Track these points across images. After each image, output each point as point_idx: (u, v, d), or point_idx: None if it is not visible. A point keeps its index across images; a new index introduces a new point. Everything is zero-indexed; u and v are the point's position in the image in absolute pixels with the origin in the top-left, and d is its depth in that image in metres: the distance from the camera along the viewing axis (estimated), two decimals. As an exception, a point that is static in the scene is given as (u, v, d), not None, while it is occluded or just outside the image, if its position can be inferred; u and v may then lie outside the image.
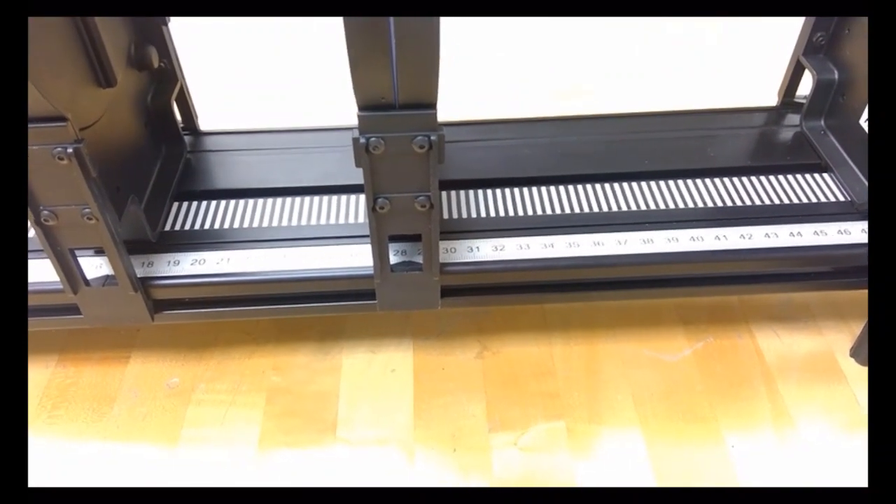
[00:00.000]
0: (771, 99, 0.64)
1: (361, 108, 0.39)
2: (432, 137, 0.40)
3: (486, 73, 0.92)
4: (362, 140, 0.40)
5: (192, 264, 0.49)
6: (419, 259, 0.48)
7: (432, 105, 0.39)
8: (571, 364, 0.57)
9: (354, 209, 0.54)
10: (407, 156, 0.41)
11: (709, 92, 0.88)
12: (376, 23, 0.35)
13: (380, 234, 0.45)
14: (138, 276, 0.48)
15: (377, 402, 0.55)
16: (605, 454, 0.51)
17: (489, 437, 0.53)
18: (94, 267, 0.49)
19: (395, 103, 0.39)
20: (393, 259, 0.49)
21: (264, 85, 0.89)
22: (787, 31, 0.64)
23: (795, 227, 0.51)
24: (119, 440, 0.53)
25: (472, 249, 0.50)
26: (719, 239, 0.50)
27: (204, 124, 0.62)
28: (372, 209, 0.43)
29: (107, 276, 0.48)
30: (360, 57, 0.36)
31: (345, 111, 0.54)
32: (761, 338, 0.59)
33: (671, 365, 0.57)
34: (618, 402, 0.55)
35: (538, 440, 0.52)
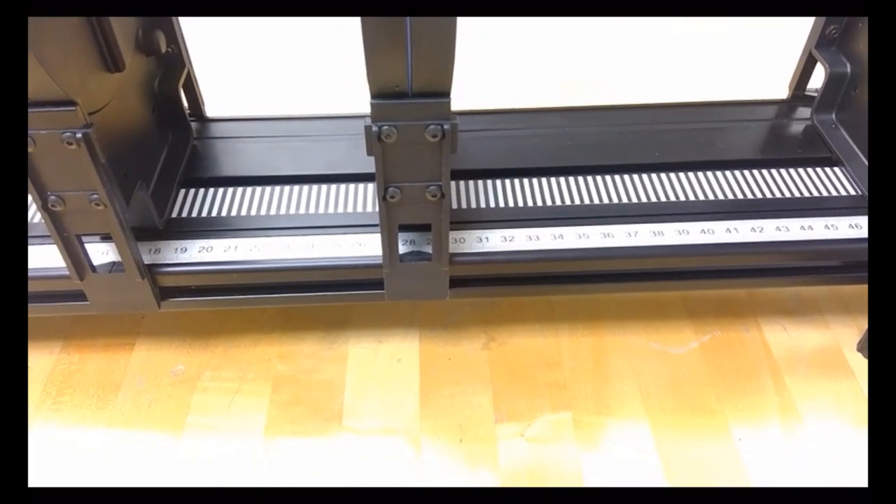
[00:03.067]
0: (781, 92, 0.63)
1: (374, 95, 0.38)
2: (445, 126, 0.39)
3: (493, 64, 0.91)
4: (375, 128, 0.39)
5: (199, 252, 0.49)
6: (428, 249, 0.48)
7: (446, 93, 0.39)
8: (578, 355, 0.57)
9: (363, 198, 0.54)
10: (419, 145, 0.40)
11: (719, 84, 0.87)
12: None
13: (390, 223, 0.45)
14: (145, 262, 0.48)
15: (383, 392, 0.55)
16: (612, 446, 0.51)
17: (496, 427, 0.52)
18: (101, 253, 0.48)
19: (409, 91, 0.38)
20: (402, 249, 0.48)
21: (271, 72, 0.89)
22: (798, 23, 0.63)
23: (806, 221, 0.51)
24: (124, 427, 0.52)
25: (481, 240, 0.50)
26: (730, 232, 0.50)
27: (210, 111, 0.61)
28: (382, 198, 0.43)
29: (113, 263, 0.48)
30: (376, 46, 0.36)
31: (353, 99, 0.53)
32: (769, 331, 0.59)
33: (678, 358, 0.57)
34: (625, 394, 0.55)
35: (545, 431, 0.52)
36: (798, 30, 0.62)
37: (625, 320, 0.60)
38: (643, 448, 0.51)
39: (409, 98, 0.39)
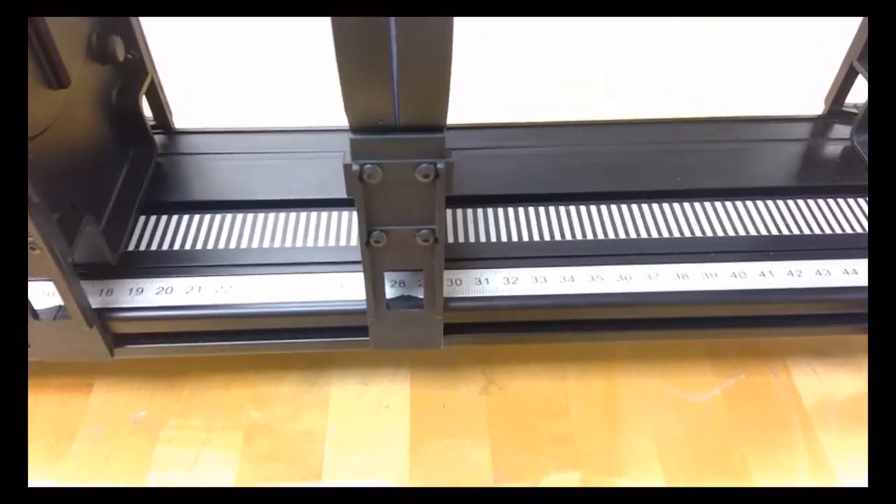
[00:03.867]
0: (816, 107, 0.57)
1: (354, 129, 0.32)
2: (439, 165, 0.33)
3: (490, 64, 0.84)
4: (355, 167, 0.33)
5: (157, 293, 0.43)
6: (419, 293, 0.42)
7: (440, 128, 0.32)
8: (587, 402, 0.51)
9: (347, 228, 0.47)
10: (408, 185, 0.34)
11: (743, 96, 0.80)
12: (374, 27, 0.28)
13: (374, 270, 0.38)
14: (96, 306, 0.42)
15: (368, 445, 0.49)
16: (625, 513, 0.46)
17: (494, 489, 0.47)
18: (45, 294, 0.42)
19: (396, 124, 0.32)
20: (389, 292, 0.42)
21: (249, 77, 0.81)
22: (835, 30, 0.57)
23: (850, 264, 0.45)
24: (78, 482, 0.47)
25: (480, 282, 0.44)
26: (764, 276, 0.44)
27: (179, 122, 0.55)
28: (366, 243, 0.37)
29: (59, 307, 0.42)
30: (354, 69, 0.30)
31: (342, 109, 0.47)
32: (798, 375, 0.53)
33: (698, 406, 0.51)
34: (640, 448, 0.49)
35: (549, 495, 0.46)
36: (835, 37, 0.56)
37: (639, 361, 0.54)
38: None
39: (397, 133, 0.32)
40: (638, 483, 0.47)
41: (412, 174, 0.33)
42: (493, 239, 0.46)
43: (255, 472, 0.47)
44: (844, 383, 0.53)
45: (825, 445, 0.49)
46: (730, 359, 0.54)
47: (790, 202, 0.49)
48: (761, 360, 0.54)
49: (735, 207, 0.48)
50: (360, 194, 0.34)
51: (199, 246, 0.46)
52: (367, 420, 0.50)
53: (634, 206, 0.48)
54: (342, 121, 0.48)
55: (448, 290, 0.43)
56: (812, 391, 0.52)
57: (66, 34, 0.39)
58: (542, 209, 0.48)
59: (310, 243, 0.46)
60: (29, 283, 0.42)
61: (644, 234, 0.46)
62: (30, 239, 0.36)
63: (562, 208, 0.48)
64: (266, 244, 0.46)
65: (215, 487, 0.45)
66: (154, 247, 0.46)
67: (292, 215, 0.48)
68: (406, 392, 0.52)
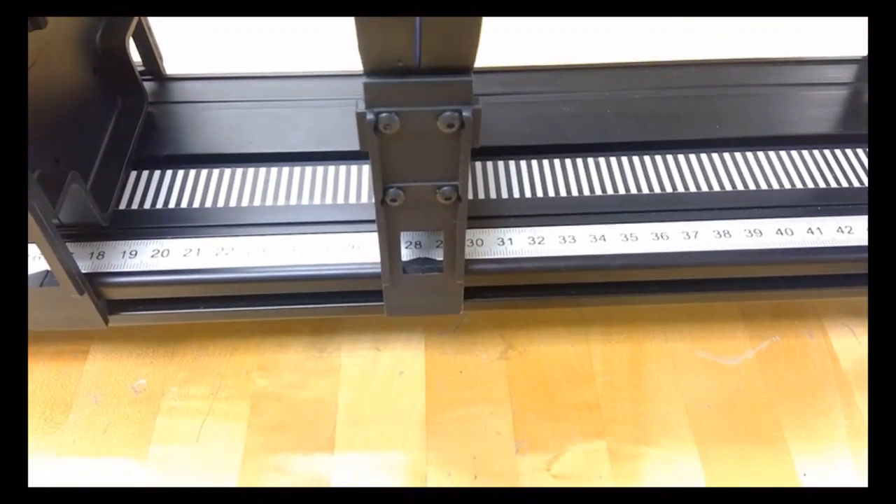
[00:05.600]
0: (861, 48, 0.52)
1: (369, 72, 0.28)
2: (465, 113, 0.29)
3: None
4: (370, 116, 0.29)
5: (152, 256, 0.39)
6: (438, 255, 0.39)
7: (467, 69, 0.28)
8: (613, 367, 0.48)
9: (357, 182, 0.44)
10: (429, 136, 0.30)
11: (788, 37, 0.75)
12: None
13: (390, 231, 0.35)
14: (86, 271, 0.38)
15: (383, 414, 0.46)
16: (656, 484, 0.43)
17: (516, 460, 0.44)
18: (31, 259, 0.39)
19: (417, 65, 0.28)
20: (404, 254, 0.39)
21: (247, 17, 0.76)
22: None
23: (906, 219, 0.41)
24: (76, 456, 0.44)
25: (503, 242, 0.40)
26: (812, 233, 0.40)
27: (170, 67, 0.50)
28: (381, 201, 0.33)
29: (46, 272, 0.38)
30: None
31: (350, 52, 0.43)
32: (835, 336, 0.50)
33: (731, 370, 0.48)
34: (669, 415, 0.46)
35: (575, 465, 0.44)
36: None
37: (667, 323, 0.51)
38: (692, 487, 0.43)
39: (417, 76, 0.28)
40: (668, 450, 0.44)
41: (434, 124, 0.30)
42: (517, 195, 0.43)
43: (263, 443, 0.45)
44: (884, 345, 0.50)
45: (864, 410, 0.47)
46: (763, 320, 0.51)
47: (838, 151, 0.45)
48: (797, 321, 0.51)
49: (779, 157, 0.44)
50: (376, 147, 0.30)
51: (196, 204, 0.42)
52: (380, 388, 0.47)
53: (670, 158, 0.44)
54: (351, 64, 0.44)
55: (469, 252, 0.39)
56: (850, 353, 0.50)
57: (38, -33, 0.35)
58: (568, 161, 0.44)
59: (317, 200, 0.42)
60: (12, 246, 0.38)
61: (681, 188, 0.43)
62: (7, 199, 0.33)
63: (590, 160, 0.44)
64: (269, 202, 0.42)
65: (217, 488, 0.43)
66: (147, 205, 0.42)
67: (297, 170, 0.44)
68: (421, 357, 0.49)
